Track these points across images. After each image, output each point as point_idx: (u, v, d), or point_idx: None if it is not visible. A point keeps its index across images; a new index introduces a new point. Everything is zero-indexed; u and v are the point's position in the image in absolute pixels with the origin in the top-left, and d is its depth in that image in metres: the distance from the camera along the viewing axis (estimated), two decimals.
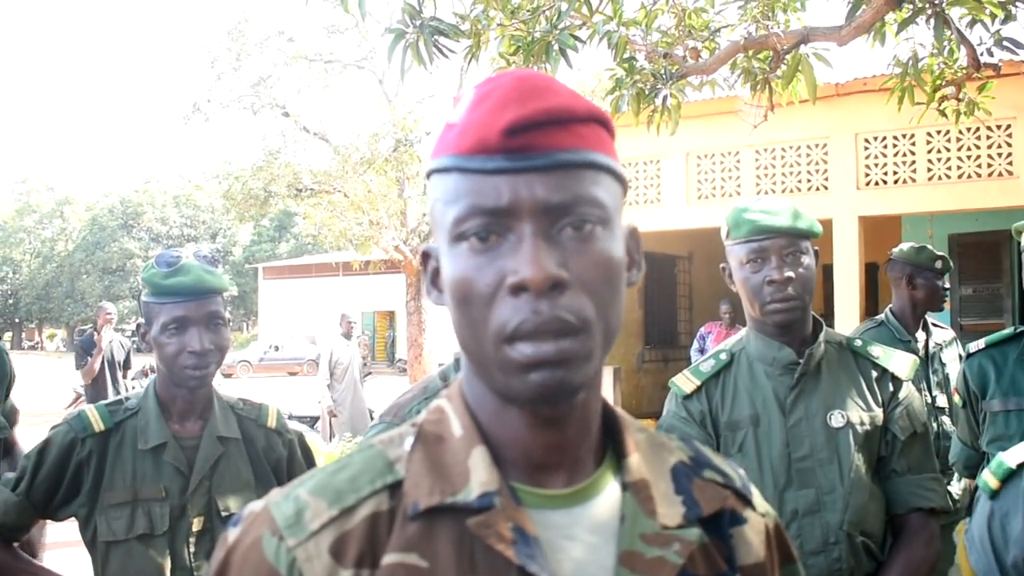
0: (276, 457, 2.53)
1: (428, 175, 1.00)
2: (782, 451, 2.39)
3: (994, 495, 1.71)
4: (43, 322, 65.46)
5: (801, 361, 2.43)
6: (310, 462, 2.62)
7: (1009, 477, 1.69)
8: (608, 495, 1.00)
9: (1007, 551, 1.65)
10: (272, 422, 2.56)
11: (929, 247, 4.67)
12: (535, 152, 0.91)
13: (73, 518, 2.41)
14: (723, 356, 2.55)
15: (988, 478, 1.73)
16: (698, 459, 1.09)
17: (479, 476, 0.94)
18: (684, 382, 2.54)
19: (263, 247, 59.22)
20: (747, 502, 1.09)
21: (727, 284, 2.57)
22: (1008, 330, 3.12)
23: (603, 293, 0.93)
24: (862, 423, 2.40)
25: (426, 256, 1.04)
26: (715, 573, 1.01)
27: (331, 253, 40.67)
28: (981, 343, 3.12)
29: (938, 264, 4.59)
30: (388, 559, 0.91)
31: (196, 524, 2.35)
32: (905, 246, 4.75)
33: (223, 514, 2.37)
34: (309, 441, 2.73)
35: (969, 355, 3.10)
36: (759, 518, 1.10)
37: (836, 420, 2.39)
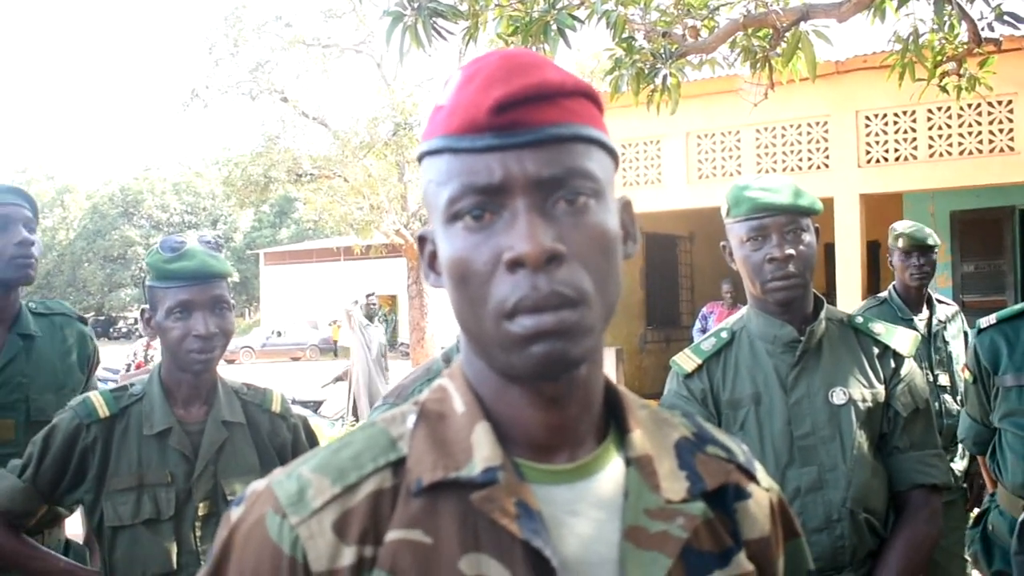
0: (280, 442, 2.53)
1: (420, 159, 1.00)
2: (784, 429, 2.39)
3: None
4: None
5: (802, 339, 2.42)
6: (314, 446, 2.61)
7: None
8: (612, 470, 1.00)
9: None
10: (276, 407, 2.55)
11: (899, 226, 4.78)
12: (524, 128, 0.91)
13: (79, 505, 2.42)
14: (724, 335, 2.54)
15: None
16: (701, 434, 1.09)
17: (482, 451, 0.94)
18: (685, 361, 2.53)
19: (264, 233, 59.20)
20: (751, 477, 1.09)
21: (728, 263, 2.56)
22: (1020, 305, 3.12)
23: (600, 265, 0.93)
24: (864, 400, 2.40)
25: (422, 240, 1.04)
26: (720, 547, 1.01)
27: (332, 238, 40.78)
28: (992, 318, 3.11)
29: (900, 242, 4.65)
30: (392, 535, 0.91)
31: (202, 509, 2.35)
32: (903, 225, 4.79)
33: (229, 498, 2.37)
34: (313, 425, 2.74)
35: (980, 331, 3.09)
36: (763, 493, 1.09)
37: (838, 397, 2.39)
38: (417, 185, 18.73)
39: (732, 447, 1.10)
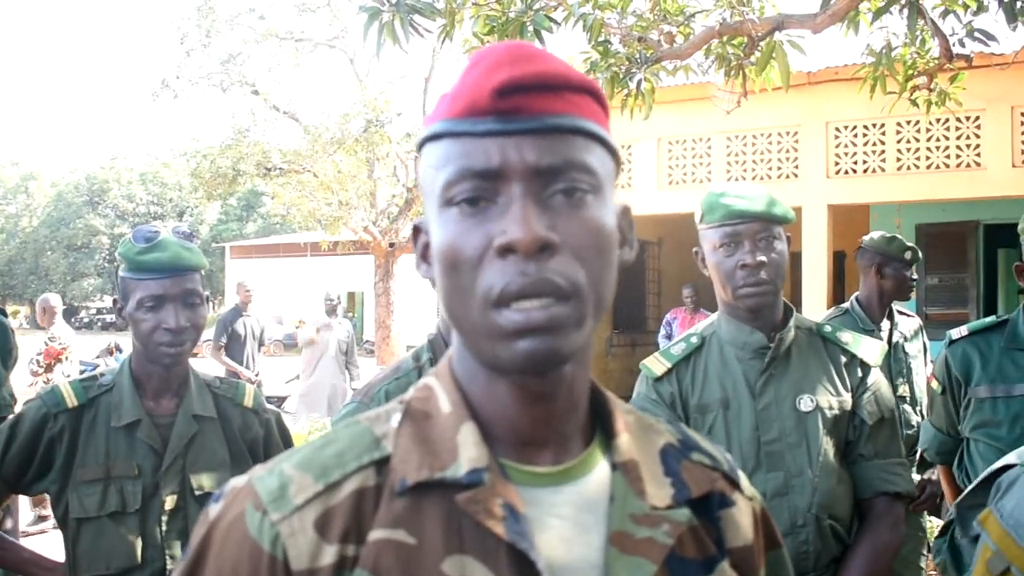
0: (252, 436, 2.51)
1: (419, 147, 0.99)
2: (751, 434, 2.41)
3: None
4: (6, 299, 64.76)
5: (771, 346, 2.44)
6: (287, 442, 2.60)
7: None
8: (597, 474, 0.99)
9: None
10: (249, 401, 2.53)
11: (899, 237, 4.70)
12: (526, 115, 0.90)
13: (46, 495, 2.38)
14: (694, 339, 2.56)
15: None
16: (686, 442, 1.09)
17: (468, 452, 0.93)
18: (655, 364, 2.54)
19: (230, 226, 58.78)
20: (735, 485, 1.09)
21: (699, 268, 2.57)
22: (990, 318, 3.16)
23: (594, 261, 0.92)
24: (831, 408, 2.42)
25: (417, 230, 1.03)
26: (704, 555, 1.01)
27: (299, 233, 40.49)
28: (964, 330, 3.15)
29: (907, 255, 4.62)
30: (375, 535, 0.90)
31: (169, 503, 2.33)
32: (876, 235, 4.77)
33: (196, 493, 2.35)
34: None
35: (952, 341, 3.12)
36: (747, 502, 1.10)
37: (805, 404, 2.41)
38: (386, 183, 18.71)
39: (716, 455, 1.11)
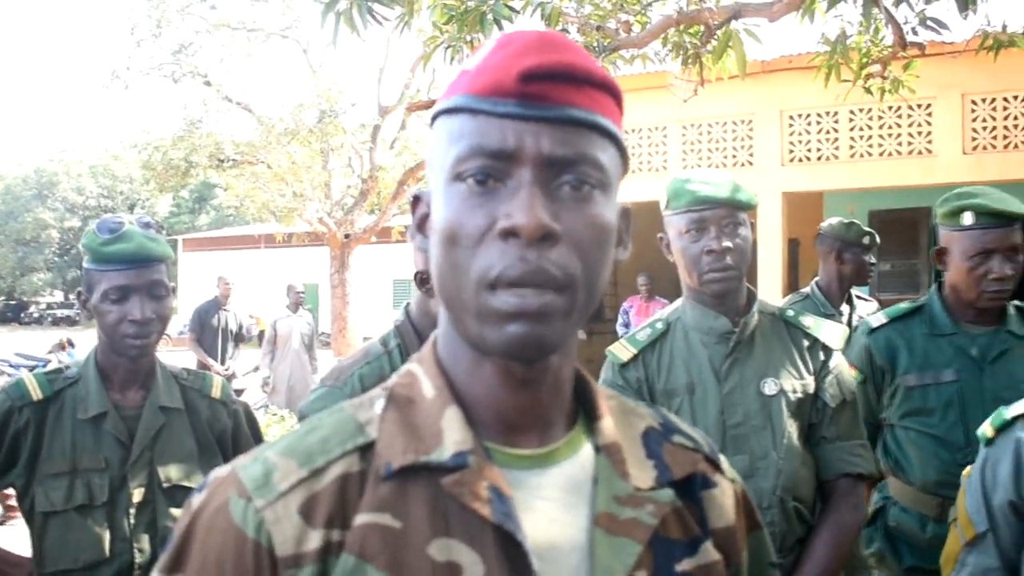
0: (220, 428, 2.49)
1: (433, 118, 0.99)
2: (717, 418, 2.43)
3: (989, 443, 1.92)
4: None
5: (736, 330, 2.46)
6: (256, 433, 2.58)
7: (1003, 427, 1.89)
8: (581, 457, 1.00)
9: (995, 493, 1.85)
10: (217, 392, 2.51)
11: (857, 223, 4.76)
12: (547, 103, 0.90)
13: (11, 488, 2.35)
14: (659, 325, 2.57)
15: (986, 428, 1.94)
16: (667, 425, 1.10)
17: (453, 435, 0.94)
18: (621, 350, 2.56)
19: (182, 219, 58.20)
20: (717, 467, 1.10)
21: (664, 254, 2.59)
22: (906, 304, 3.16)
23: (592, 254, 0.92)
24: (794, 391, 2.45)
25: (417, 200, 1.03)
26: (688, 535, 1.02)
27: (253, 225, 40.22)
28: (882, 317, 3.15)
29: (866, 240, 4.69)
30: (360, 519, 0.90)
31: (136, 495, 2.30)
32: (835, 221, 4.83)
33: (164, 486, 2.33)
34: None
35: (872, 330, 3.12)
36: (729, 483, 1.11)
37: (769, 388, 2.43)
38: (340, 173, 18.59)
39: (697, 438, 1.12)
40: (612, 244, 0.96)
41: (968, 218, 2.88)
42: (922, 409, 2.97)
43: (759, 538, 1.15)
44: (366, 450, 0.95)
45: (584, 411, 1.04)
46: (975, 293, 2.90)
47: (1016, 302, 3.03)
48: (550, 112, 0.90)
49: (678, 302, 2.62)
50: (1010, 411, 1.91)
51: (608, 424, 1.02)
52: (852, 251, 4.68)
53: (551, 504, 0.95)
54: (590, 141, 0.92)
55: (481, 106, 0.91)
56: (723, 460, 1.13)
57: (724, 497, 1.08)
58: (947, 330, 3.00)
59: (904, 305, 3.16)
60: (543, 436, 0.99)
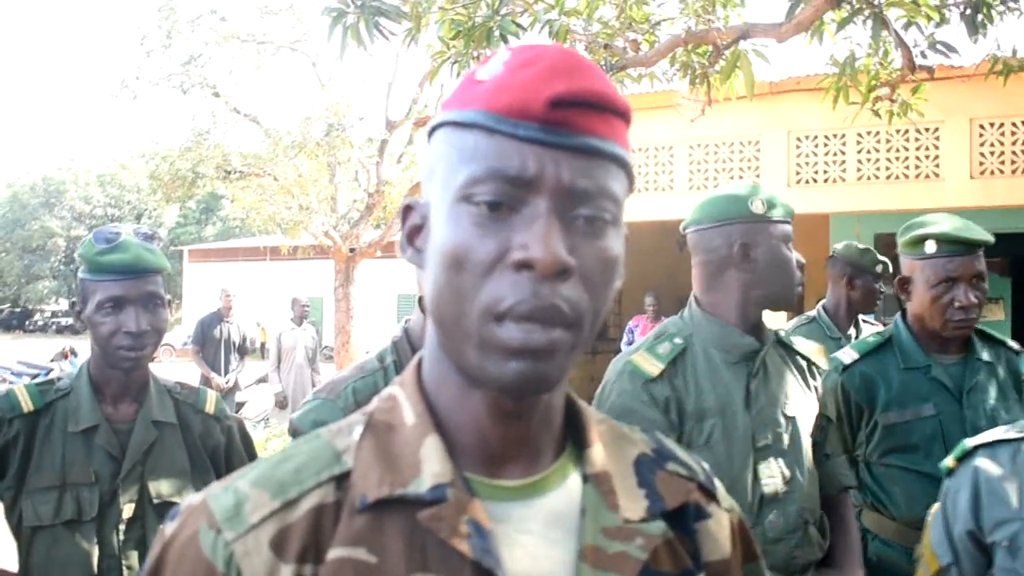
0: (213, 444, 2.45)
1: (436, 126, 0.94)
2: (748, 441, 2.36)
3: (949, 473, 1.90)
4: None
5: (763, 349, 2.44)
6: (249, 450, 2.55)
7: (963, 457, 1.87)
8: (568, 487, 0.96)
9: (955, 525, 1.84)
10: (211, 407, 2.47)
11: (872, 250, 4.70)
12: (570, 130, 0.86)
13: None
14: (677, 340, 2.45)
15: (948, 460, 1.92)
16: (661, 451, 1.06)
17: (431, 467, 0.90)
18: (647, 364, 2.40)
19: (188, 229, 58.23)
20: (712, 496, 1.07)
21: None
22: (872, 337, 3.10)
23: (600, 291, 0.89)
24: (808, 410, 2.47)
25: (408, 209, 0.98)
26: (680, 569, 0.98)
27: (259, 237, 40.24)
28: (853, 353, 3.06)
29: (879, 268, 4.64)
30: (334, 553, 0.87)
31: (127, 511, 2.27)
32: (851, 245, 4.76)
33: (155, 501, 2.29)
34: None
35: (845, 367, 3.02)
36: (724, 513, 1.07)
37: (791, 408, 2.43)
38: (347, 187, 18.58)
39: (692, 465, 1.08)
40: (618, 277, 0.93)
41: (931, 246, 2.85)
42: (906, 446, 2.91)
43: (755, 570, 1.11)
44: (342, 480, 0.91)
45: (573, 438, 1.00)
46: (940, 322, 2.86)
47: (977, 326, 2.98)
48: (573, 141, 0.86)
49: (675, 318, 2.56)
50: (971, 441, 1.89)
51: (598, 452, 0.99)
52: (864, 278, 4.63)
53: (535, 538, 0.92)
54: (608, 172, 0.89)
55: (501, 127, 0.87)
56: (719, 488, 1.09)
57: (719, 528, 1.04)
58: (921, 363, 2.95)
59: (872, 339, 3.09)
60: (529, 466, 0.95)
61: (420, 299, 2.26)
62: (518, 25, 4.62)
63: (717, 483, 1.09)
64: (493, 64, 0.91)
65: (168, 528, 0.92)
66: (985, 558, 1.79)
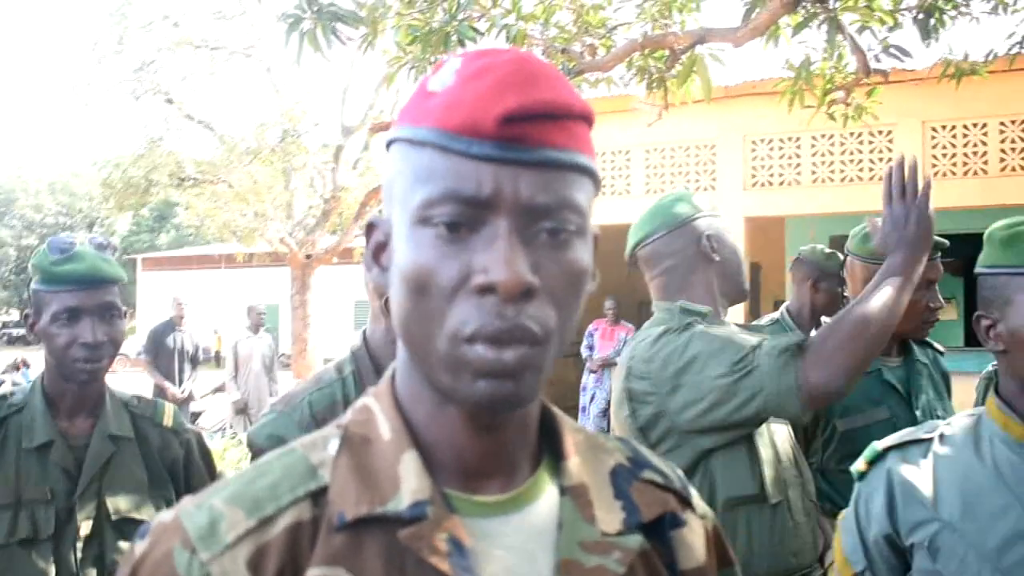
0: (172, 457, 2.39)
1: (392, 141, 0.91)
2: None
3: (861, 477, 1.85)
4: None
5: None
6: (208, 463, 2.50)
7: (875, 460, 1.84)
8: (545, 501, 0.94)
9: (869, 528, 1.79)
10: (168, 420, 2.42)
11: (837, 254, 4.71)
12: (526, 145, 0.83)
13: None
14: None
15: (859, 463, 1.87)
16: (636, 459, 1.04)
17: (410, 484, 0.88)
18: None
19: (142, 237, 57.62)
20: (687, 503, 1.05)
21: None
22: None
23: (568, 305, 0.87)
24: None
25: (371, 227, 0.95)
26: None
27: (213, 245, 39.92)
28: None
29: (844, 272, 4.64)
30: (312, 573, 0.85)
31: (84, 528, 2.20)
32: (815, 248, 4.77)
33: (113, 518, 2.23)
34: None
35: None
36: (699, 520, 1.05)
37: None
38: (303, 193, 18.47)
39: (667, 472, 1.06)
40: (586, 287, 0.90)
41: None
42: (860, 452, 2.90)
43: (731, 574, 1.10)
44: (318, 495, 0.89)
45: (550, 448, 0.99)
46: (916, 324, 2.90)
47: None
48: (530, 156, 0.83)
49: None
50: (882, 443, 1.86)
51: (575, 464, 0.97)
52: (829, 281, 4.63)
53: (512, 553, 0.90)
54: (570, 183, 0.86)
55: (454, 145, 0.84)
56: (694, 495, 1.07)
57: (693, 536, 1.03)
58: (873, 366, 2.94)
59: None
60: (507, 480, 0.93)
61: (386, 301, 2.22)
62: (475, 30, 4.60)
63: (692, 490, 1.08)
64: (444, 73, 0.88)
65: (138, 547, 0.89)
66: (901, 562, 1.75)
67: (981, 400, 4.15)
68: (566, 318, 0.87)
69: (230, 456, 8.27)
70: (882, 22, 5.19)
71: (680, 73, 5.46)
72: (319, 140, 18.64)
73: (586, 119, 0.89)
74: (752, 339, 2.24)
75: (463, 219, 0.84)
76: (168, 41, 18.03)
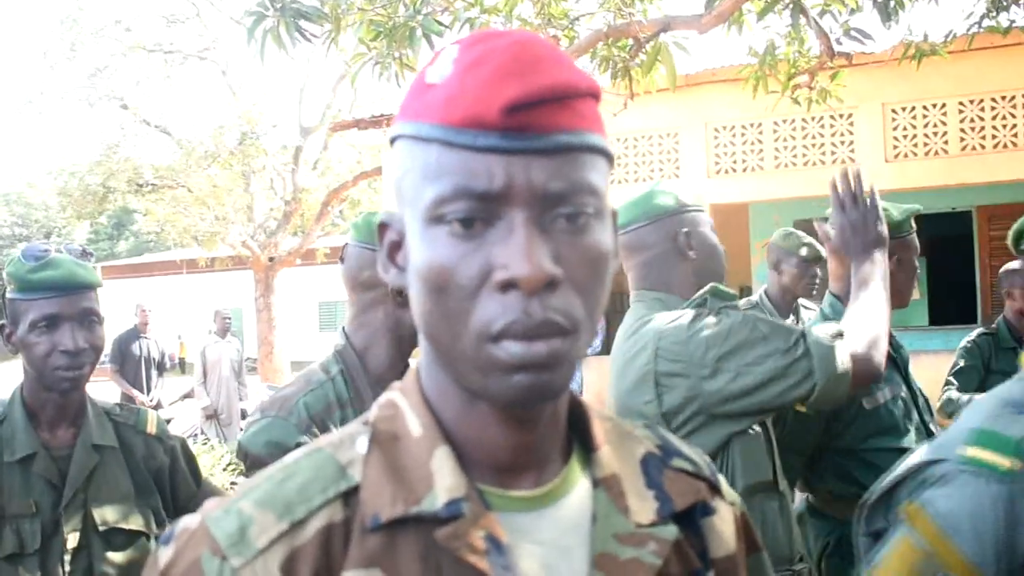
0: (157, 465, 2.35)
1: (395, 138, 0.88)
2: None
3: (1009, 475, 1.34)
4: None
5: None
6: (194, 469, 2.45)
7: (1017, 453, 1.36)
8: (578, 493, 0.92)
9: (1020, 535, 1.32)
10: (152, 428, 2.37)
11: (797, 233, 4.75)
12: (534, 132, 0.80)
13: None
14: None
15: (996, 458, 1.37)
16: (666, 447, 1.02)
17: (444, 481, 0.85)
18: None
19: (101, 246, 56.93)
20: (716, 490, 1.04)
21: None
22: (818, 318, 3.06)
23: (593, 291, 0.84)
24: None
25: (384, 227, 0.92)
26: (689, 569, 0.95)
27: (174, 250, 39.61)
28: None
29: (803, 251, 4.67)
30: None
31: (71, 540, 2.15)
32: (781, 231, 4.82)
33: (101, 528, 2.19)
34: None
35: None
36: (728, 507, 1.04)
37: None
38: (263, 196, 18.35)
39: (696, 459, 1.05)
40: (610, 269, 0.87)
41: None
42: (890, 427, 2.86)
43: (758, 561, 1.09)
44: (349, 496, 0.86)
45: (579, 439, 0.96)
46: (906, 300, 3.04)
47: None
48: (538, 142, 0.80)
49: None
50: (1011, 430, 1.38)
51: (606, 454, 0.95)
52: (789, 261, 4.68)
53: (548, 548, 0.88)
54: (583, 165, 0.83)
55: (459, 139, 0.80)
56: (723, 482, 1.06)
57: (724, 524, 1.01)
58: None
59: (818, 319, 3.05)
60: (540, 474, 0.91)
61: (394, 291, 2.17)
62: (439, 23, 4.57)
63: (720, 477, 1.07)
64: (442, 63, 0.85)
65: (162, 556, 0.85)
66: None
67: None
68: (593, 304, 0.84)
69: (203, 462, 8.20)
70: (844, 4, 5.21)
71: (644, 63, 5.45)
72: (278, 142, 18.56)
73: (593, 95, 0.86)
74: (793, 326, 2.31)
75: (477, 214, 0.81)
76: (121, 46, 17.88)
